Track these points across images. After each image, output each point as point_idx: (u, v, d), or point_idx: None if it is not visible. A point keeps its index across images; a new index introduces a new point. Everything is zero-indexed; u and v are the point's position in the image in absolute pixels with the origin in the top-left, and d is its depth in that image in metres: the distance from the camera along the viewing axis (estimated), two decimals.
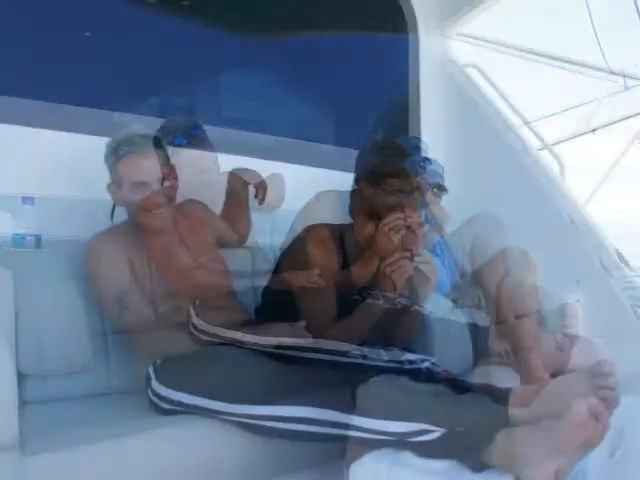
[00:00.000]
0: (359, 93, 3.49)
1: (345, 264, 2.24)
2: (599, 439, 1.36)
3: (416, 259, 2.15)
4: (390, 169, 2.24)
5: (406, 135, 3.58)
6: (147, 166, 2.07)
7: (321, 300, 2.18)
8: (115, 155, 2.07)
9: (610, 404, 1.42)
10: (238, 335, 1.89)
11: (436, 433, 1.54)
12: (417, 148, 3.04)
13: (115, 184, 2.11)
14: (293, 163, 3.07)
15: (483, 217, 2.96)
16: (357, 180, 2.34)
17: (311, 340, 1.96)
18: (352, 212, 2.35)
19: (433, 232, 2.81)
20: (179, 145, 2.28)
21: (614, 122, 5.33)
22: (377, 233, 2.20)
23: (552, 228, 3.18)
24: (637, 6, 4.47)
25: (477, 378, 2.26)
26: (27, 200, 2.18)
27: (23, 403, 1.49)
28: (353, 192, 2.34)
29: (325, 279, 2.18)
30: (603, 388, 1.46)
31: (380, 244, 2.19)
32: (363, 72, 3.48)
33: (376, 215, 2.26)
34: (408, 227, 2.19)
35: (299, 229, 2.37)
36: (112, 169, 2.10)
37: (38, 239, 2.18)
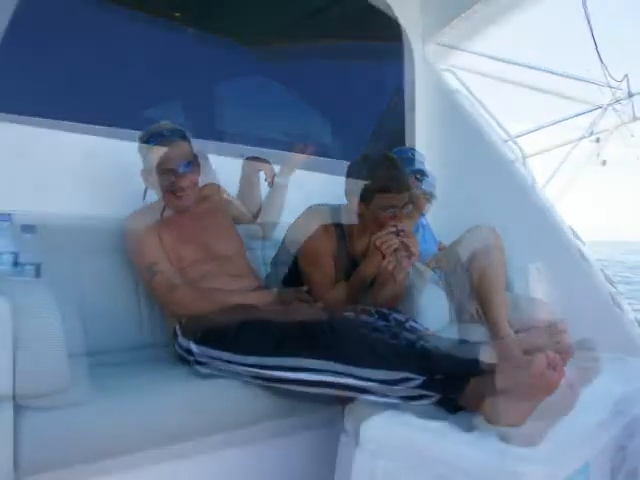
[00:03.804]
0: (352, 100, 3.38)
1: (341, 239, 2.20)
2: (556, 386, 1.37)
3: (401, 234, 2.08)
4: (381, 185, 2.06)
5: (402, 145, 3.47)
6: (173, 155, 2.05)
7: (321, 269, 2.16)
8: (147, 146, 2.07)
9: (565, 356, 1.42)
10: (225, 355, 1.77)
11: (417, 381, 1.55)
12: (412, 160, 2.87)
13: (147, 171, 2.11)
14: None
15: (481, 230, 2.60)
16: (347, 195, 2.17)
17: (311, 301, 1.96)
18: (345, 227, 2.19)
19: (415, 213, 2.73)
20: (151, 144, 2.06)
21: (568, 118, 5.27)
22: (370, 248, 2.09)
23: (519, 207, 3.18)
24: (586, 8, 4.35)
25: (453, 334, 2.26)
26: (27, 229, 1.77)
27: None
28: (346, 207, 2.20)
29: (325, 252, 2.16)
30: (559, 343, 1.47)
31: (372, 259, 2.08)
32: (355, 79, 3.40)
33: (369, 230, 2.17)
34: (402, 242, 2.07)
35: (289, 244, 2.23)
36: (144, 158, 2.10)
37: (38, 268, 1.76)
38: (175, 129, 2.09)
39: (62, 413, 1.42)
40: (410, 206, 2.17)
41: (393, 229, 2.07)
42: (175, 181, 2.06)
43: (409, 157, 2.88)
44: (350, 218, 2.18)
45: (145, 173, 2.12)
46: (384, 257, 2.06)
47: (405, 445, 1.44)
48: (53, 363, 1.41)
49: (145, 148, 2.08)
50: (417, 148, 3.39)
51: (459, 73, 3.73)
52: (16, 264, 1.66)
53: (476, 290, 2.56)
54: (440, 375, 1.55)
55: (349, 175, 2.15)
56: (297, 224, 2.21)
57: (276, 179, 2.58)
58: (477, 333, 2.59)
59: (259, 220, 2.61)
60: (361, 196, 2.09)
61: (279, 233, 2.39)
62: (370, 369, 1.57)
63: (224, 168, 2.47)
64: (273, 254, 2.40)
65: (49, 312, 1.43)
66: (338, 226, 2.19)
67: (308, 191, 2.73)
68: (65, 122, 2.24)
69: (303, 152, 2.58)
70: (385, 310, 2.22)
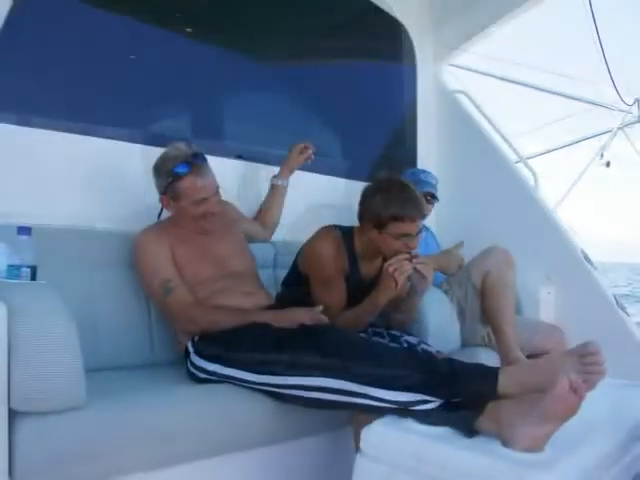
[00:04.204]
0: (351, 100, 3.31)
1: (353, 262, 2.18)
2: (576, 409, 1.34)
3: (414, 260, 2.04)
4: (395, 213, 2.02)
5: (402, 144, 3.50)
6: (206, 184, 2.02)
7: (334, 292, 2.14)
8: (173, 175, 2.00)
9: (597, 377, 1.46)
10: (237, 373, 1.76)
11: (435, 403, 1.53)
12: (423, 182, 2.88)
13: (172, 197, 2.04)
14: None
15: (494, 252, 2.55)
16: (361, 219, 2.14)
17: (327, 321, 1.92)
18: (356, 249, 2.18)
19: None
20: (181, 173, 1.99)
21: (579, 141, 5.30)
22: (382, 273, 2.05)
23: (528, 228, 3.15)
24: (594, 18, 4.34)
25: (464, 358, 2.21)
26: (23, 230, 1.64)
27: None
28: (358, 230, 2.18)
29: (337, 274, 2.14)
30: (591, 364, 1.45)
31: (385, 286, 2.04)
32: (354, 79, 3.34)
33: (381, 255, 2.16)
34: (416, 269, 2.03)
35: (301, 265, 2.21)
36: (168, 185, 2.02)
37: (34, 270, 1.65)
38: (197, 154, 2.03)
39: (58, 418, 1.39)
40: (423, 232, 2.14)
41: (407, 255, 2.05)
42: (208, 208, 2.03)
43: (420, 179, 2.91)
44: (362, 241, 2.16)
45: (168, 198, 2.06)
46: (397, 284, 2.02)
47: (406, 450, 1.42)
48: (51, 367, 1.38)
49: (172, 177, 2.01)
50: (417, 148, 3.47)
51: (459, 73, 3.75)
52: (15, 267, 1.61)
53: (487, 313, 2.53)
54: (457, 399, 1.52)
55: (363, 198, 2.13)
56: (310, 246, 2.19)
57: (275, 180, 2.59)
58: (488, 357, 2.55)
59: (259, 220, 2.61)
60: (374, 222, 2.07)
61: (278, 234, 2.53)
62: (387, 390, 1.55)
63: (224, 168, 2.43)
64: (284, 274, 2.37)
65: (49, 315, 1.41)
66: (350, 248, 2.17)
67: (308, 191, 2.77)
68: (65, 122, 2.21)
69: (302, 152, 2.59)
70: (397, 332, 2.20)
